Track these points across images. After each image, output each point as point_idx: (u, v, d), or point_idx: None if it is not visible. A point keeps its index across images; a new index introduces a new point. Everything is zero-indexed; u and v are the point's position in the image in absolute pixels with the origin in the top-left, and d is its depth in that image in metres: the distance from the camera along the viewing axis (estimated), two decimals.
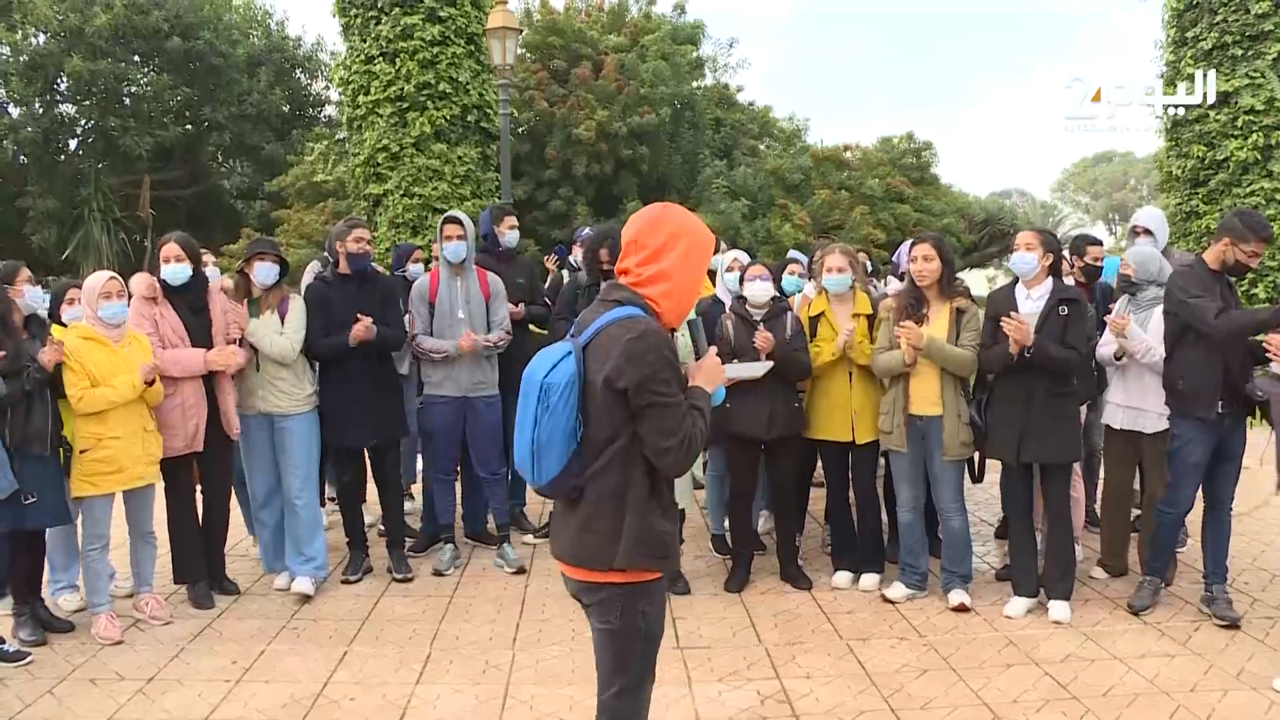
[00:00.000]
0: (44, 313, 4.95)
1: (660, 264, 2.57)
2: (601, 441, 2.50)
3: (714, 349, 2.78)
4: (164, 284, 5.09)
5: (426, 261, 7.04)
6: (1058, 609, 4.83)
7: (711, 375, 2.68)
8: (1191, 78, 12.31)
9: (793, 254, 6.82)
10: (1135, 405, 5.15)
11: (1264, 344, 4.32)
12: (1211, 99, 12.18)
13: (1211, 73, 12.17)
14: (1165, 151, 13.33)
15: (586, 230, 7.16)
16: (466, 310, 5.58)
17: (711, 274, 6.54)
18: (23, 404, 4.45)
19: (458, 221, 5.61)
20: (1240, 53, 12.07)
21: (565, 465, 2.50)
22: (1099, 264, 5.85)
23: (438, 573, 5.70)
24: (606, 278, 5.82)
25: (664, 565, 2.60)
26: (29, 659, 4.45)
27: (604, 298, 2.61)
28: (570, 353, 2.51)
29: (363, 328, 5.26)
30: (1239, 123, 12.08)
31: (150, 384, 4.77)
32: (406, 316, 5.69)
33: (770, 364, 4.47)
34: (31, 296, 5.09)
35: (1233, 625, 4.64)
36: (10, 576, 4.79)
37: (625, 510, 2.52)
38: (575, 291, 5.95)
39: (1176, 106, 12.61)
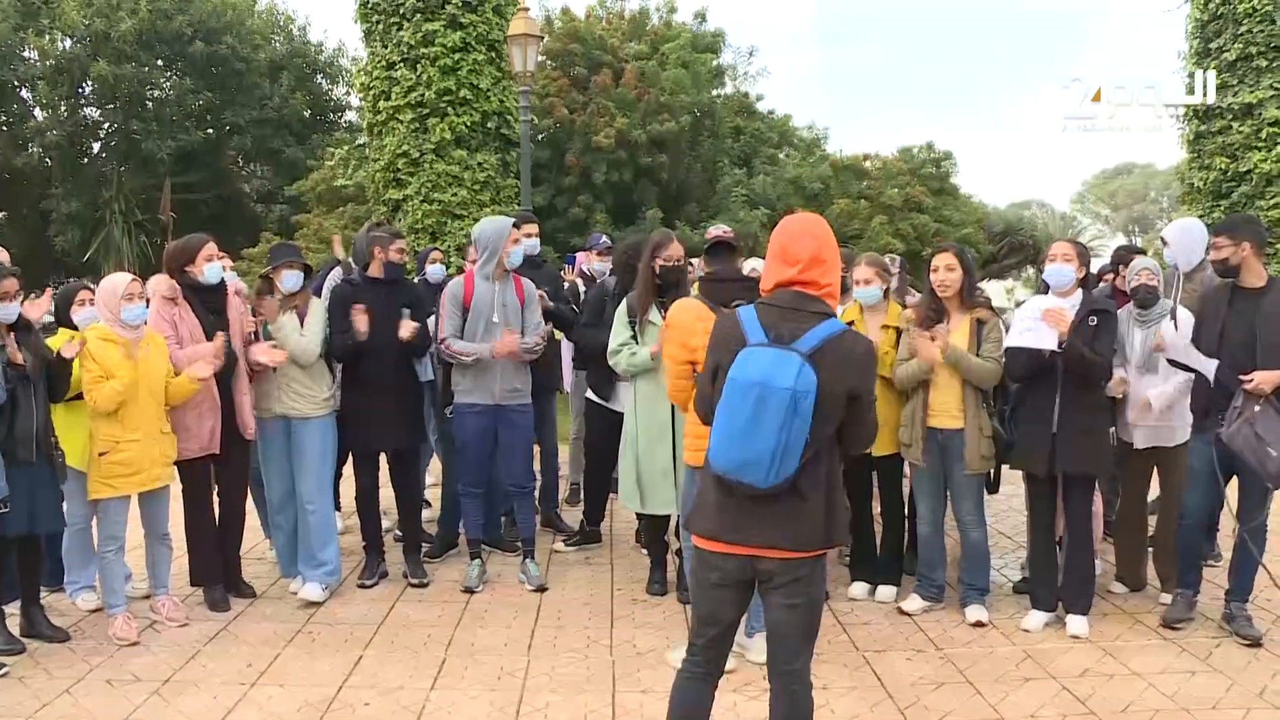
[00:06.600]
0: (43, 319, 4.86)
1: (833, 277, 2.88)
2: (818, 439, 2.74)
3: None
4: (191, 284, 5.11)
5: (447, 264, 7.04)
6: (1076, 623, 4.77)
7: None
8: (1213, 89, 12.22)
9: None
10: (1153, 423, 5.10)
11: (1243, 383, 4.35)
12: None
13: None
14: (1187, 164, 13.23)
15: (603, 238, 7.11)
16: (503, 314, 5.39)
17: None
18: (5, 409, 4.40)
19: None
20: (1265, 64, 11.99)
21: (800, 464, 2.71)
22: None
23: (469, 590, 5.50)
24: (664, 289, 5.06)
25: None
26: (4, 669, 4.37)
27: (800, 307, 2.82)
28: (803, 362, 2.68)
29: (410, 329, 5.35)
30: (1263, 134, 12.00)
31: (203, 380, 4.83)
32: (430, 320, 5.66)
33: None
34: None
35: (1255, 643, 4.58)
36: None
37: (833, 495, 2.82)
38: (603, 298, 5.91)
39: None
